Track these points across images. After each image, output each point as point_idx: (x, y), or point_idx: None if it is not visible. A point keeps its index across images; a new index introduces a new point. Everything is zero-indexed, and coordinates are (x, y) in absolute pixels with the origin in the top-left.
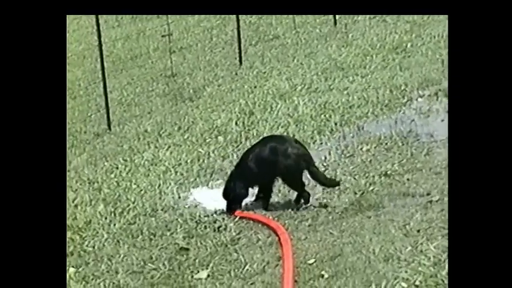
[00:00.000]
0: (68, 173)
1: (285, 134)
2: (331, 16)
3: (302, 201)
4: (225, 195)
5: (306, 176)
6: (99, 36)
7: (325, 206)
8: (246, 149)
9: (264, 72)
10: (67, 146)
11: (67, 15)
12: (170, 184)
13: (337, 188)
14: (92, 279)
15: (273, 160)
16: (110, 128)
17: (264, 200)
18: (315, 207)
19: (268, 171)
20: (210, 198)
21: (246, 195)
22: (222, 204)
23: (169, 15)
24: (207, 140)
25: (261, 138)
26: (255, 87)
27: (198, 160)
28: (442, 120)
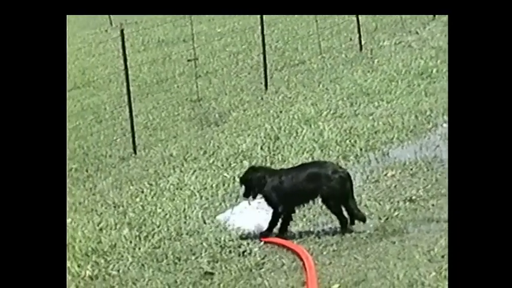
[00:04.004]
0: (93, 197)
1: (311, 159)
2: (357, 41)
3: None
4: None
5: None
6: (125, 60)
7: (350, 232)
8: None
9: (290, 97)
10: (93, 169)
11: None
12: (195, 208)
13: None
14: None
15: (316, 181)
16: (135, 152)
17: (283, 225)
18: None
19: (309, 191)
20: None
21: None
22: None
23: (195, 40)
24: (232, 165)
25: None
26: (281, 112)
27: (223, 184)
28: None
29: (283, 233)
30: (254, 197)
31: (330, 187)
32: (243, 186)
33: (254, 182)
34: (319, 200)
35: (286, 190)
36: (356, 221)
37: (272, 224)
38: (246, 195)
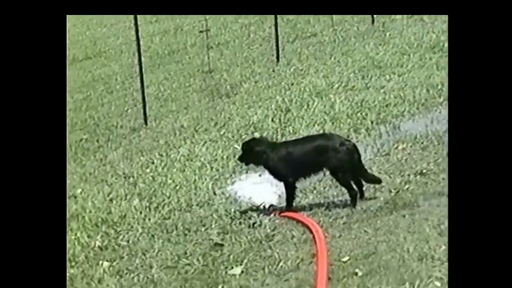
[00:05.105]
0: (103, 167)
1: (322, 131)
2: (369, 14)
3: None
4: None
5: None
6: (137, 31)
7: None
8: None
9: (301, 70)
10: (103, 140)
11: None
12: (206, 180)
13: (372, 186)
14: (126, 273)
15: (324, 153)
16: (146, 123)
17: (290, 198)
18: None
19: (316, 164)
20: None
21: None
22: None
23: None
24: (243, 136)
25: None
26: (292, 84)
27: (234, 156)
28: None
29: (290, 205)
30: (247, 164)
31: (338, 159)
32: (242, 151)
33: (254, 154)
34: (328, 173)
35: (294, 161)
36: (367, 194)
37: (290, 197)
38: (240, 159)
